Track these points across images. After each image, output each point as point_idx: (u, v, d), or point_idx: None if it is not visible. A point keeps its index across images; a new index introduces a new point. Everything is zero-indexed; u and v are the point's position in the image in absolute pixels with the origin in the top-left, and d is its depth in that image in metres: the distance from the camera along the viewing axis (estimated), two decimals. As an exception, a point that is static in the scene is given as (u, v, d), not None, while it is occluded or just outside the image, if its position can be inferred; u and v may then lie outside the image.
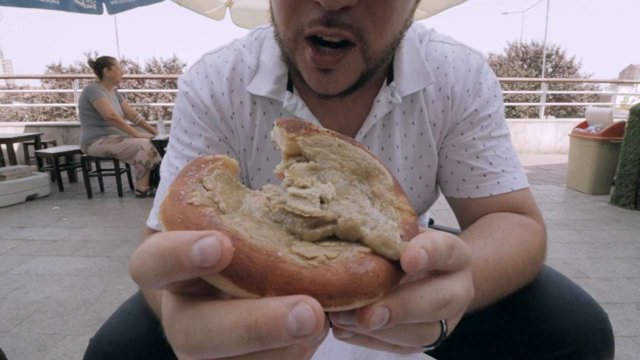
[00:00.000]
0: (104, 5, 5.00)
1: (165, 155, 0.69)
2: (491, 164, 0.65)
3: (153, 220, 0.65)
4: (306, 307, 0.19)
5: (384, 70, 0.64)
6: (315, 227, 0.25)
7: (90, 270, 2.31)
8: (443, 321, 0.29)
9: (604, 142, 3.91)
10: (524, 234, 0.57)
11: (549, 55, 15.73)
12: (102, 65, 3.94)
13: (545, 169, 5.82)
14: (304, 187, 0.28)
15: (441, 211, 3.25)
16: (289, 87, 0.63)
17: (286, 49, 0.54)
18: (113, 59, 4.02)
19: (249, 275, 0.20)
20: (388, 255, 0.25)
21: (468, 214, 0.67)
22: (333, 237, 0.26)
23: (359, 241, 0.25)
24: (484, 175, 0.65)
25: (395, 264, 0.25)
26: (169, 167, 0.66)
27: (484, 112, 0.66)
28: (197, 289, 0.24)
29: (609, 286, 2.06)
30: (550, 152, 7.47)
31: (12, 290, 2.07)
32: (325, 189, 0.27)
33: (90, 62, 4.04)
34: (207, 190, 0.25)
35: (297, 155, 0.33)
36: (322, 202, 0.27)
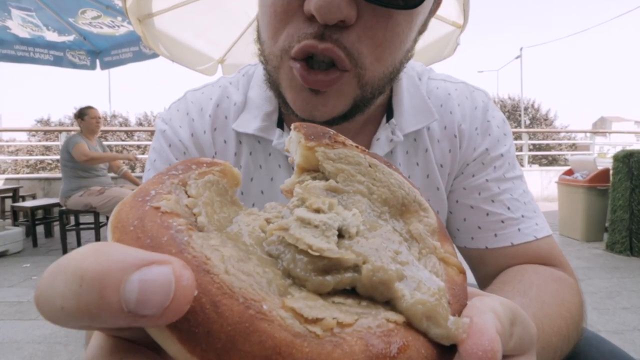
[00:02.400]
0: (97, 61, 5.18)
1: None
2: (509, 208, 0.58)
3: None
4: None
5: (382, 106, 0.59)
6: (326, 272, 0.18)
7: (55, 336, 2.07)
8: None
9: (591, 188, 3.96)
10: (560, 290, 0.48)
11: (525, 109, 16.63)
12: (77, 116, 3.96)
13: (535, 216, 5.81)
14: (317, 210, 0.20)
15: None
16: (279, 125, 0.57)
17: (270, 67, 0.48)
18: (89, 108, 4.02)
19: (207, 335, 0.14)
20: (433, 334, 0.18)
21: (487, 267, 0.58)
22: (351, 292, 0.19)
23: (389, 303, 0.19)
24: (502, 222, 0.57)
25: (439, 347, 0.19)
26: None
27: (495, 152, 0.60)
28: (137, 334, 0.17)
29: (621, 340, 1.94)
30: (538, 200, 7.56)
31: (-39, 362, 1.83)
32: (348, 217, 0.21)
33: (74, 115, 4.06)
34: (189, 197, 0.20)
35: (314, 170, 0.26)
36: (341, 236, 0.20)
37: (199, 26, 3.47)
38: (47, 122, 15.66)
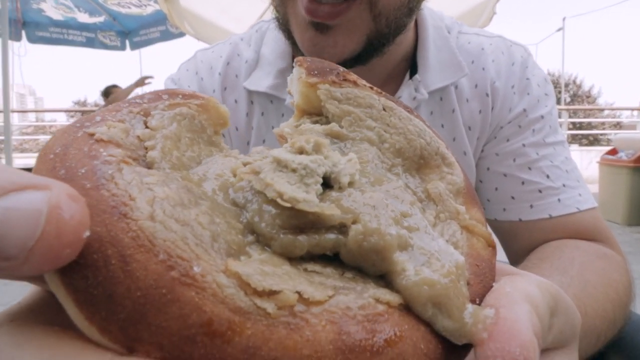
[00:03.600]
0: (127, 42, 5.30)
1: None
2: (548, 176, 0.51)
3: None
4: None
5: (405, 61, 0.53)
6: (300, 231, 0.15)
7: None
8: None
9: (636, 169, 3.70)
10: (607, 269, 0.43)
11: (566, 85, 15.65)
12: (103, 94, 4.15)
13: (572, 199, 5.55)
14: (300, 150, 0.16)
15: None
16: None
17: (277, 4, 0.44)
18: (114, 87, 4.17)
19: (108, 300, 0.11)
20: (440, 326, 0.14)
21: (520, 241, 0.53)
22: (333, 259, 0.15)
23: (384, 278, 0.15)
24: (540, 192, 0.51)
25: (447, 344, 0.14)
26: None
27: (534, 113, 0.53)
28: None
29: (665, 329, 1.81)
30: (575, 181, 7.18)
31: None
32: (340, 162, 0.17)
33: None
34: (147, 128, 0.17)
35: (316, 114, 0.23)
36: (327, 185, 0.17)
37: (223, 3, 3.44)
38: (84, 103, 16.38)
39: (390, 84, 0.53)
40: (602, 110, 12.82)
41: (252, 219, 0.15)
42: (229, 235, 0.14)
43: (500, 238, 0.57)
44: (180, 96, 0.19)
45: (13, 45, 4.48)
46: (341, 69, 0.24)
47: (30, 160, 6.86)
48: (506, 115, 0.54)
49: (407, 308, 0.14)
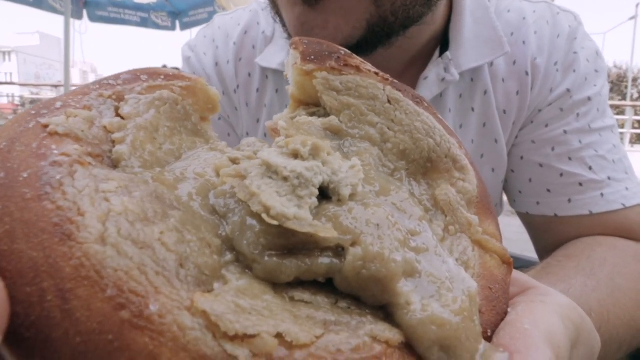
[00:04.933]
0: (177, 22, 5.50)
1: None
2: (591, 168, 0.46)
3: None
4: None
5: (436, 36, 0.48)
6: (289, 252, 0.12)
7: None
8: None
9: None
10: None
11: (634, 80, 14.24)
12: None
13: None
14: (295, 154, 0.14)
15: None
16: None
17: None
18: (174, 69, 4.35)
19: (44, 346, 0.09)
20: None
21: (553, 237, 0.48)
22: (325, 285, 0.13)
23: (385, 309, 0.13)
24: (580, 185, 0.46)
25: None
26: None
27: (580, 94, 0.47)
28: None
29: None
30: (636, 186, 6.60)
31: None
32: (342, 170, 0.14)
33: None
34: (118, 116, 0.15)
35: (314, 105, 0.21)
36: (325, 196, 0.14)
37: None
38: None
39: (415, 64, 0.48)
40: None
41: (233, 234, 0.12)
42: (201, 257, 0.12)
43: (531, 232, 0.53)
44: (162, 77, 0.17)
45: (74, 23, 4.78)
46: (342, 51, 0.21)
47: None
48: (546, 96, 0.48)
49: (409, 347, 0.12)
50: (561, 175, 0.47)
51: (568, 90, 0.47)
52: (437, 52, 0.48)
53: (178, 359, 0.09)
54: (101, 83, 0.16)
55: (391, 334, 0.12)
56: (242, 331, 0.10)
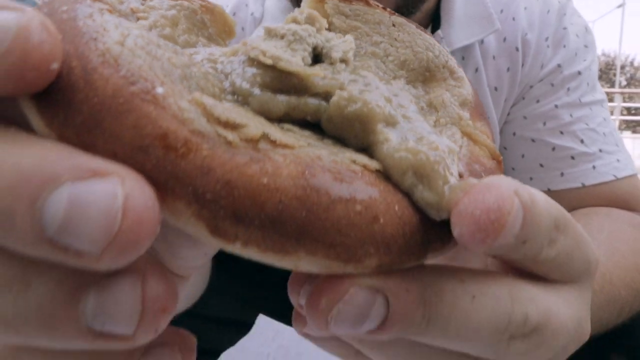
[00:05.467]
0: None
1: None
2: (582, 141, 0.47)
3: None
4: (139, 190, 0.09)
5: (429, 15, 0.49)
6: (280, 91, 0.14)
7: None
8: None
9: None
10: (639, 238, 0.39)
11: (622, 67, 14.47)
12: None
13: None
14: (293, 20, 0.16)
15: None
16: None
17: None
18: None
19: (67, 106, 0.11)
20: (418, 197, 0.13)
21: None
22: (313, 127, 0.14)
23: (367, 151, 0.14)
24: (572, 158, 0.47)
25: (423, 216, 0.13)
26: None
27: (570, 69, 0.48)
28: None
29: None
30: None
31: None
32: (334, 38, 0.16)
33: None
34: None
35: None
36: (318, 59, 0.16)
37: None
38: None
39: None
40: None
41: (234, 80, 0.14)
42: (203, 81, 0.13)
43: None
44: None
45: None
46: None
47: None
48: (538, 72, 0.48)
49: (385, 176, 0.13)
50: (553, 149, 0.48)
51: (559, 66, 0.48)
52: (428, 31, 0.49)
53: (175, 127, 0.11)
54: None
55: (369, 162, 0.13)
56: (232, 120, 0.11)
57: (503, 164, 0.42)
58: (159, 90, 0.11)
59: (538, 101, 0.49)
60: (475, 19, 0.48)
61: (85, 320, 0.10)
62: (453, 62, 0.21)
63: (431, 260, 0.13)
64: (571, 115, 0.47)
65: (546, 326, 0.14)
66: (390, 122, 0.14)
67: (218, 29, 0.18)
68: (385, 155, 0.13)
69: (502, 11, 0.49)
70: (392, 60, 0.20)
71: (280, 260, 0.11)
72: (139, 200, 0.09)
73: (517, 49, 0.48)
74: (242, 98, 0.13)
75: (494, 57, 0.49)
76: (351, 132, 0.14)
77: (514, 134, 0.51)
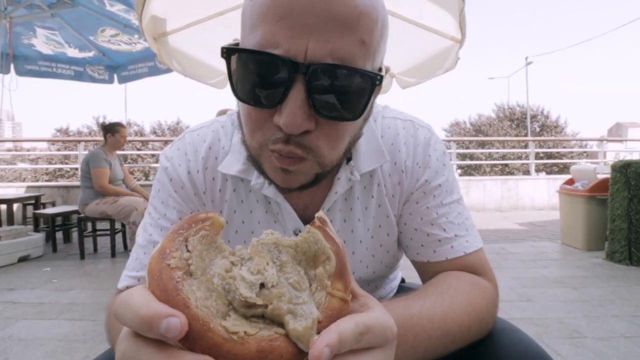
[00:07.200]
0: (115, 76, 5.32)
1: (143, 220, 0.74)
2: (444, 230, 0.70)
3: (123, 282, 0.68)
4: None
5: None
6: (249, 307, 0.30)
7: (74, 334, 2.24)
8: None
9: (591, 198, 3.98)
10: (472, 293, 0.62)
11: (534, 116, 16.42)
12: (107, 131, 4.15)
13: (540, 225, 5.83)
14: (257, 271, 0.32)
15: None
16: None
17: (252, 153, 0.59)
18: (121, 126, 4.21)
19: (186, 335, 0.27)
20: (300, 347, 0.29)
21: (428, 274, 0.72)
22: (263, 317, 0.31)
23: (282, 325, 0.30)
24: (439, 241, 0.70)
25: (301, 352, 0.30)
26: (144, 233, 0.71)
27: (434, 182, 0.72)
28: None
29: (607, 346, 2.00)
30: (544, 208, 7.51)
31: (-8, 357, 2.01)
32: (268, 276, 0.31)
33: (102, 125, 4.31)
34: (188, 251, 0.31)
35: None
36: (262, 286, 0.31)
37: (211, 43, 3.61)
38: (66, 131, 16.07)
39: (332, 170, 0.66)
40: (568, 140, 13.50)
41: (232, 300, 0.29)
42: (222, 309, 0.29)
43: (417, 271, 0.76)
44: (200, 221, 0.32)
45: (3, 78, 4.54)
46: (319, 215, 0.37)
47: (5, 190, 6.72)
48: (414, 184, 0.71)
49: (287, 336, 0.29)
50: (428, 235, 0.70)
51: (426, 180, 0.71)
52: (344, 161, 0.69)
53: (216, 338, 0.27)
54: (178, 232, 0.31)
55: (282, 331, 0.29)
56: (234, 330, 0.28)
57: (400, 241, 0.74)
58: (212, 325, 0.27)
59: (417, 203, 0.72)
60: (374, 153, 0.71)
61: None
62: (328, 249, 0.34)
63: None
64: (437, 213, 0.71)
65: None
66: (292, 313, 0.30)
67: (217, 230, 0.35)
68: (288, 331, 0.29)
69: (392, 144, 0.73)
70: (299, 251, 0.34)
71: None
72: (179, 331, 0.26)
73: (402, 171, 0.72)
74: (235, 309, 0.29)
75: (390, 175, 0.72)
76: (275, 319, 0.29)
77: (405, 224, 0.74)
